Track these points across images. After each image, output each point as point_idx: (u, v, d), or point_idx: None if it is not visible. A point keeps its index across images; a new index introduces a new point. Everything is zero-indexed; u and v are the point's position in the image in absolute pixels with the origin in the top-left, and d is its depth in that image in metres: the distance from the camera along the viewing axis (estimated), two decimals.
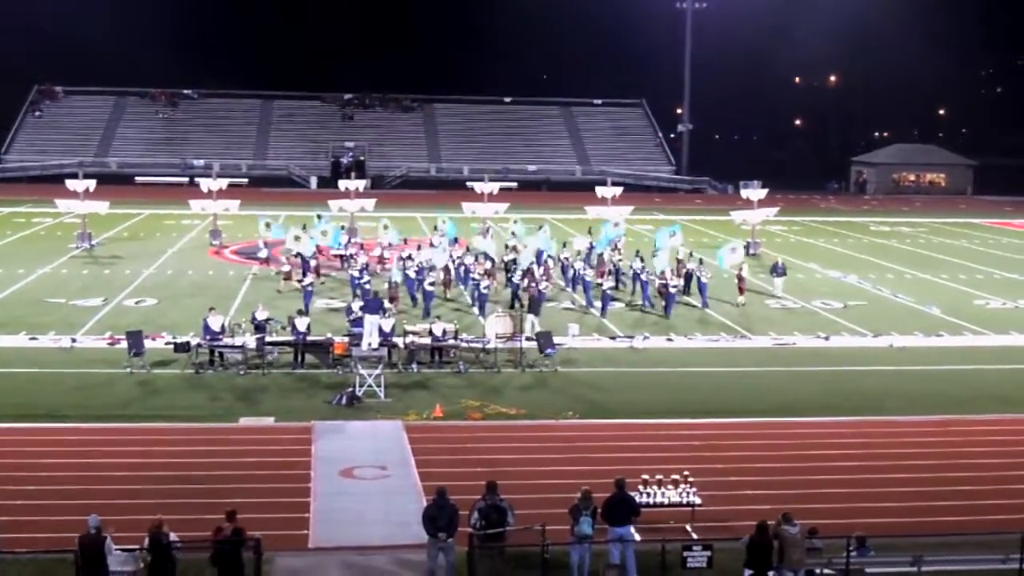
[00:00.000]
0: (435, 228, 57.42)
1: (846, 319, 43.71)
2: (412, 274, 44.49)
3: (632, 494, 20.22)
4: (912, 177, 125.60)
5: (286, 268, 48.24)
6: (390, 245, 52.95)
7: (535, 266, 46.19)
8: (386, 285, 42.94)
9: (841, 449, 27.33)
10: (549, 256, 50.51)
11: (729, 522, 21.50)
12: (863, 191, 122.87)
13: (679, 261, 49.14)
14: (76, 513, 20.26)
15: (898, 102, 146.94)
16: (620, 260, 49.73)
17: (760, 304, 46.49)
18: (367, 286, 42.04)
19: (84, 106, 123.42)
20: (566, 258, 50.00)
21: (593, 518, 19.23)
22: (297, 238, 50.10)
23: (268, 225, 54.92)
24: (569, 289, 47.77)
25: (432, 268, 45.78)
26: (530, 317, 38.53)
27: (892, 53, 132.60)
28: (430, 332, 34.88)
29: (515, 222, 57.47)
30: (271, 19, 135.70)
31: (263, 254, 53.22)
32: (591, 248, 52.16)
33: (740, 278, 47.10)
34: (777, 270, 48.33)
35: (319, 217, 58.05)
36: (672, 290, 43.38)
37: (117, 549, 17.87)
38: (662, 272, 45.24)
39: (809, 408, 30.76)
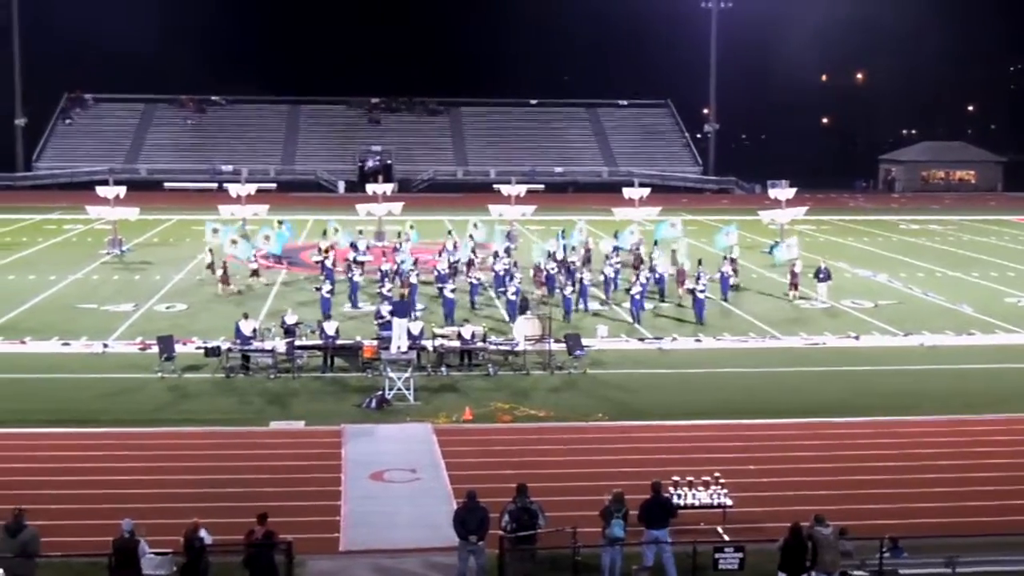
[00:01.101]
0: (399, 235, 57.23)
1: (876, 318, 43.50)
2: (415, 280, 44.68)
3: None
4: (941, 174, 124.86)
5: (220, 272, 48.24)
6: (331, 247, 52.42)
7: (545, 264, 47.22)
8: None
9: (872, 449, 27.18)
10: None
11: (761, 523, 21.43)
12: (891, 189, 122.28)
13: (732, 260, 50.07)
14: (109, 517, 20.37)
15: (926, 99, 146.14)
16: (618, 264, 49.25)
17: (790, 304, 46.33)
18: (388, 292, 41.91)
19: (113, 113, 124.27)
20: (572, 262, 49.31)
21: (625, 520, 19.20)
22: (234, 242, 50.35)
23: (216, 231, 54.40)
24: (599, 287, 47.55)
25: (454, 275, 46.06)
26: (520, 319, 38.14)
27: (919, 50, 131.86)
28: (459, 335, 34.93)
29: (475, 225, 57.20)
30: (297, 25, 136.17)
31: (207, 260, 51.55)
32: (616, 250, 52.08)
33: (793, 274, 47.88)
34: (820, 275, 47.12)
35: (280, 223, 57.91)
36: (700, 295, 42.97)
37: (150, 552, 18.00)
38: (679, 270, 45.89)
39: (839, 408, 30.59)
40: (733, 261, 49.91)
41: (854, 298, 47.78)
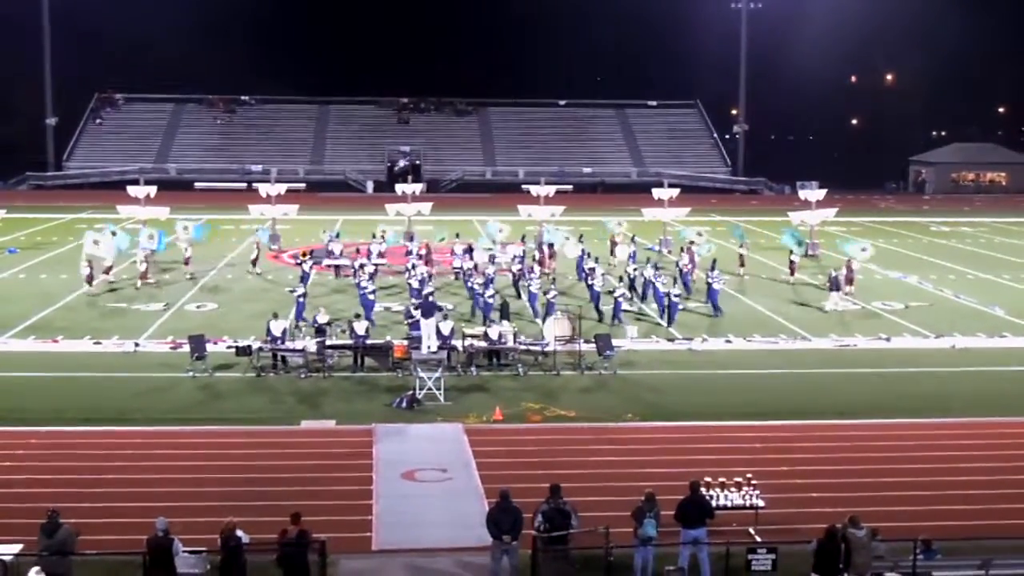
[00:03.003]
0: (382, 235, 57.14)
1: (907, 320, 43.29)
2: (416, 284, 43.94)
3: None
4: (972, 176, 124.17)
5: (87, 271, 47.83)
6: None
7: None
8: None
9: (904, 451, 27.09)
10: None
11: (793, 524, 21.36)
12: (922, 191, 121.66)
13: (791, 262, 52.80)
14: (142, 515, 20.53)
15: (956, 100, 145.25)
16: (636, 269, 48.70)
17: (820, 306, 46.14)
18: (371, 296, 41.38)
19: (143, 113, 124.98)
20: (591, 269, 46.51)
21: (657, 520, 19.19)
22: (96, 243, 49.86)
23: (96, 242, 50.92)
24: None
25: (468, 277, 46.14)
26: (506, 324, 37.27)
27: (949, 50, 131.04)
28: (486, 335, 34.91)
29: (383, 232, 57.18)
30: (326, 25, 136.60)
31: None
32: (634, 255, 51.87)
33: (850, 269, 48.71)
34: (832, 284, 46.19)
35: (186, 228, 57.40)
36: (717, 286, 43.49)
37: (185, 551, 18.10)
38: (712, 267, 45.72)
39: (871, 410, 30.49)
40: (792, 263, 52.71)
41: (885, 300, 47.56)
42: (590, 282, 44.10)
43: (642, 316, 42.79)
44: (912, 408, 30.72)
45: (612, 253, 55.17)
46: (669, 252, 57.53)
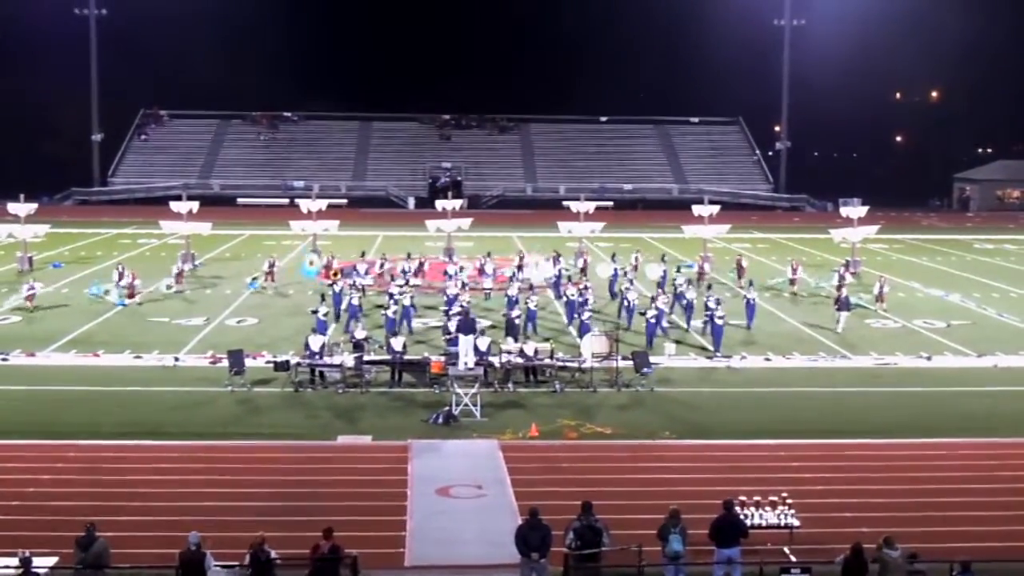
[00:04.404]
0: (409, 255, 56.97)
1: (949, 339, 42.87)
2: (408, 301, 43.30)
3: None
4: (1016, 193, 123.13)
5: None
6: None
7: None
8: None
9: (944, 471, 26.78)
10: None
11: (829, 544, 21.14)
12: (966, 208, 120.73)
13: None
14: (177, 529, 20.60)
15: (1001, 116, 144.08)
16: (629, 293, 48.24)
17: (860, 324, 45.77)
18: (391, 314, 41.10)
19: (188, 129, 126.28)
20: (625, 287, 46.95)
21: (683, 536, 19.07)
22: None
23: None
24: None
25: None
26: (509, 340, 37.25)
27: (995, 67, 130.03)
28: (521, 352, 34.88)
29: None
30: (369, 42, 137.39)
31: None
32: (664, 276, 51.68)
33: (881, 288, 49.25)
34: (840, 304, 44.88)
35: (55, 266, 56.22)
36: (719, 321, 40.67)
37: (216, 565, 18.17)
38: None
39: (911, 429, 30.19)
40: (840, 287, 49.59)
41: (926, 318, 47.15)
42: (570, 297, 44.39)
43: (679, 341, 42.20)
44: (953, 428, 30.41)
45: (634, 270, 55.16)
46: (710, 269, 57.17)
